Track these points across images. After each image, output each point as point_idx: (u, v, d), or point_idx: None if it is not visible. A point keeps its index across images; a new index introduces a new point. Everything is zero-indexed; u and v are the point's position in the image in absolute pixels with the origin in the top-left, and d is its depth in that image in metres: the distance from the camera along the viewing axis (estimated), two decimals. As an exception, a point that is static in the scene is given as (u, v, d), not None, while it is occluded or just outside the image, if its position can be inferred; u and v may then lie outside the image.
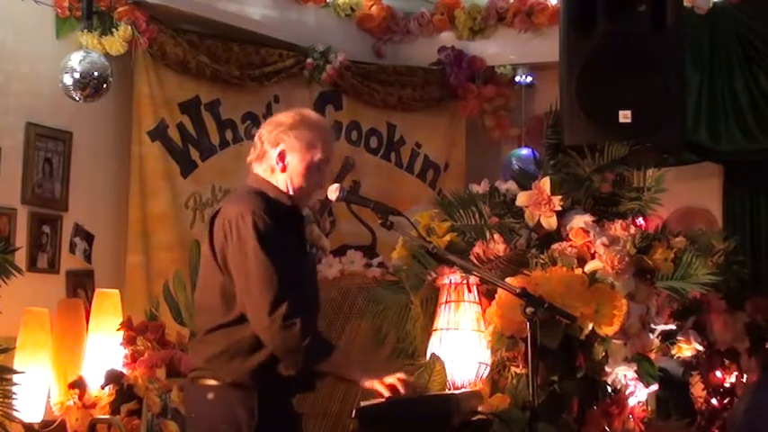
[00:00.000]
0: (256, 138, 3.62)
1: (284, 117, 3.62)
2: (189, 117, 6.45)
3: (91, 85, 5.56)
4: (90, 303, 5.25)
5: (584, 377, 4.51)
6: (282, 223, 3.48)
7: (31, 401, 4.82)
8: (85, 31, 5.84)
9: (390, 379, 3.45)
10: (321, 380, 3.61)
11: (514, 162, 6.76)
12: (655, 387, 4.68)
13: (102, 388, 4.93)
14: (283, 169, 3.55)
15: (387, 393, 3.42)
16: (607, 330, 4.42)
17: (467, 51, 7.34)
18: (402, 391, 3.43)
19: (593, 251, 4.56)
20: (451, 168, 7.43)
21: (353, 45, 7.21)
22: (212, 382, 3.43)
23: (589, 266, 4.51)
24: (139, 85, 6.19)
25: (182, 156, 6.39)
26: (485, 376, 4.52)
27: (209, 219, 3.58)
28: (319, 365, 3.45)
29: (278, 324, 3.33)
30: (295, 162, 3.55)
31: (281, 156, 3.54)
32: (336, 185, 3.64)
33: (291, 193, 3.57)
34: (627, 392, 4.58)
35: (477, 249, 4.64)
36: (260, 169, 3.59)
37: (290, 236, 3.54)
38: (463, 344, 4.51)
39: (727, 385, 5.84)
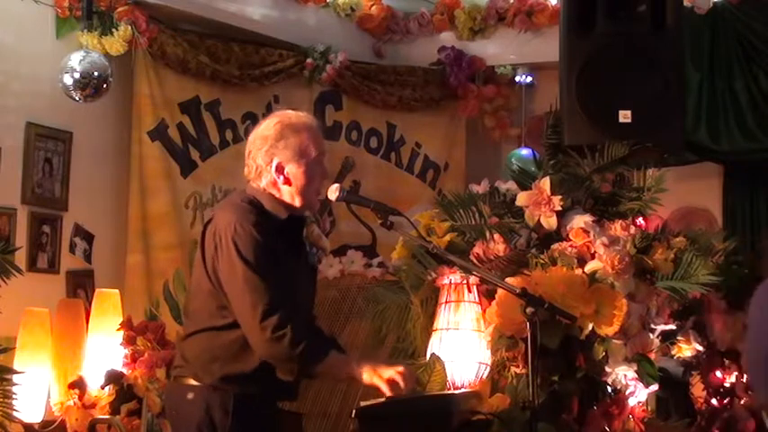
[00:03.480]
0: (247, 156, 3.56)
1: (266, 129, 3.54)
2: (189, 117, 6.45)
3: (91, 85, 5.56)
4: (90, 303, 5.26)
5: (584, 377, 4.50)
6: (274, 233, 3.45)
7: (31, 401, 4.83)
8: (85, 31, 5.84)
9: (389, 373, 3.41)
10: (308, 381, 3.60)
11: (514, 162, 6.75)
12: (655, 387, 4.67)
13: (102, 388, 4.93)
14: (285, 181, 3.51)
15: (387, 390, 3.40)
16: (607, 330, 4.41)
17: (467, 51, 7.34)
18: (402, 384, 3.40)
19: (593, 251, 4.55)
20: (451, 168, 7.43)
21: (353, 45, 7.21)
22: (193, 382, 3.44)
23: (589, 266, 4.51)
24: (139, 85, 6.20)
25: (182, 156, 6.39)
26: (485, 376, 4.51)
27: (202, 226, 3.57)
28: (317, 368, 3.43)
29: (268, 336, 3.32)
30: (294, 169, 3.51)
31: (279, 169, 3.50)
32: (336, 185, 3.63)
33: (299, 202, 3.53)
34: (627, 392, 4.57)
35: (477, 249, 4.63)
36: (261, 184, 3.54)
37: (283, 244, 3.50)
38: (463, 344, 4.50)
39: (727, 385, 5.82)
